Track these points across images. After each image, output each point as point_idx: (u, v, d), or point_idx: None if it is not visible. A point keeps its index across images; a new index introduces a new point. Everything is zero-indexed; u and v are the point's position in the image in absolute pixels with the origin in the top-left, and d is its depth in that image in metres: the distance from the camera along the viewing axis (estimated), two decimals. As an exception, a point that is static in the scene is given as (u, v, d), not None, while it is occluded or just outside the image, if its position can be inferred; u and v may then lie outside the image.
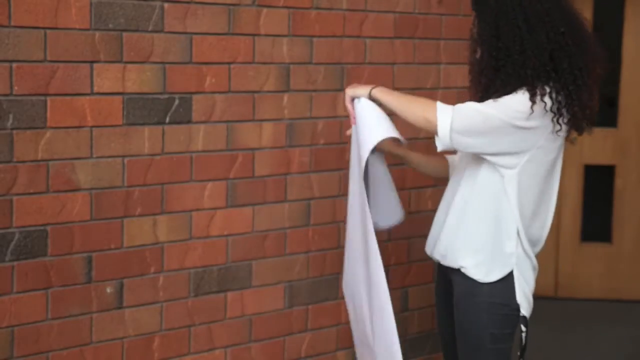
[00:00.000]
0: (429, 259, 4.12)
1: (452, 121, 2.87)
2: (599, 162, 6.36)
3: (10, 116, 2.95)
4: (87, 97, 3.10)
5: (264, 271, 3.64)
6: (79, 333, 3.17)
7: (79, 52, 3.07)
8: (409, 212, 3.98)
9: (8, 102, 2.94)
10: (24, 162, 2.99)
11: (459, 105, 2.90)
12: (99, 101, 3.12)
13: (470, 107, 2.90)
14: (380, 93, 3.01)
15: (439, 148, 2.93)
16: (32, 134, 3.00)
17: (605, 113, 6.58)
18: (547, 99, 2.83)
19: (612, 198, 6.39)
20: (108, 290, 3.22)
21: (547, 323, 5.67)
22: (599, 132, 6.28)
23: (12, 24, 2.92)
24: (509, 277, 2.97)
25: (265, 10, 3.52)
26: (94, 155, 3.14)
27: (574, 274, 6.33)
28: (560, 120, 2.86)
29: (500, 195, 2.94)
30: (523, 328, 2.97)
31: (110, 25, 3.12)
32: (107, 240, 3.20)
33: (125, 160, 3.22)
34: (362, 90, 3.04)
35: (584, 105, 2.89)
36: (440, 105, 2.91)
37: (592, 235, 6.44)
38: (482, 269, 2.98)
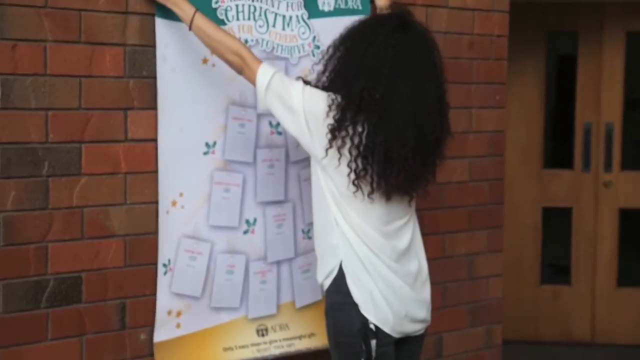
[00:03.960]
0: (463, 303, 4.11)
1: (272, 77, 2.94)
2: (634, 205, 6.31)
3: (46, 163, 2.98)
4: (121, 144, 3.13)
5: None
6: (113, 380, 3.17)
7: (113, 99, 3.10)
8: (442, 256, 3.96)
9: (44, 149, 2.97)
10: (59, 209, 3.02)
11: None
12: (132, 148, 3.15)
13: (290, 78, 3.00)
14: (204, 22, 3.05)
15: (259, 104, 3.02)
16: (67, 180, 3.03)
17: (640, 156, 6.54)
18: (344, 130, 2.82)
19: (649, 242, 6.34)
20: (142, 336, 3.21)
21: (585, 369, 5.61)
22: (634, 175, 6.26)
23: (48, 72, 2.96)
24: (341, 281, 2.91)
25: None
26: (128, 202, 3.15)
27: (611, 319, 6.25)
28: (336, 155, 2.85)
29: (317, 181, 2.96)
30: (373, 344, 2.88)
31: (144, 73, 3.15)
32: (141, 286, 3.20)
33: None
34: (180, 11, 3.06)
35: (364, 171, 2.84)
36: (265, 63, 3.00)
37: (629, 279, 6.37)
38: (320, 268, 3.00)
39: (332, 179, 2.89)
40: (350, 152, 2.83)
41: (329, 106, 2.84)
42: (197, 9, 3.05)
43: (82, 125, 3.04)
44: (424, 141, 2.86)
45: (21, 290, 2.96)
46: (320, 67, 3.00)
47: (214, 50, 3.07)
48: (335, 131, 2.82)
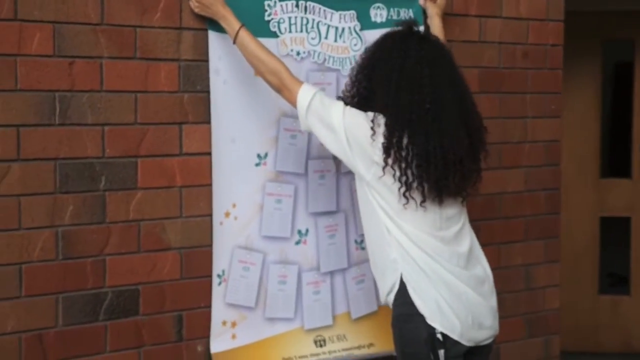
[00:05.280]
0: (520, 314, 4.07)
1: (313, 98, 2.96)
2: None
3: (103, 178, 3.02)
4: (176, 158, 3.16)
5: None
6: (170, 391, 3.19)
7: (168, 114, 3.13)
8: (499, 267, 3.93)
9: (100, 164, 3.01)
10: (115, 222, 3.05)
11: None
12: (187, 161, 3.18)
13: (330, 98, 3.03)
14: (248, 38, 3.07)
15: (300, 124, 3.02)
16: (123, 194, 3.06)
17: None
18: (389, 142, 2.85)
19: None
20: (199, 348, 3.24)
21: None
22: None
23: (104, 88, 3.00)
24: (404, 293, 2.90)
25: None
26: (184, 215, 3.18)
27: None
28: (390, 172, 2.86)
29: (367, 197, 2.97)
30: (441, 353, 2.85)
31: (198, 87, 3.18)
32: (197, 298, 3.22)
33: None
34: (226, 25, 3.10)
35: (425, 177, 2.85)
36: (306, 84, 3.02)
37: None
38: (381, 285, 3.00)
39: (379, 193, 2.90)
40: (400, 166, 2.84)
41: (372, 128, 2.87)
42: (243, 25, 3.08)
43: (138, 140, 3.08)
44: (471, 139, 2.95)
45: (80, 303, 3.00)
46: (348, 86, 3.05)
47: (254, 68, 3.11)
48: (389, 149, 2.84)
